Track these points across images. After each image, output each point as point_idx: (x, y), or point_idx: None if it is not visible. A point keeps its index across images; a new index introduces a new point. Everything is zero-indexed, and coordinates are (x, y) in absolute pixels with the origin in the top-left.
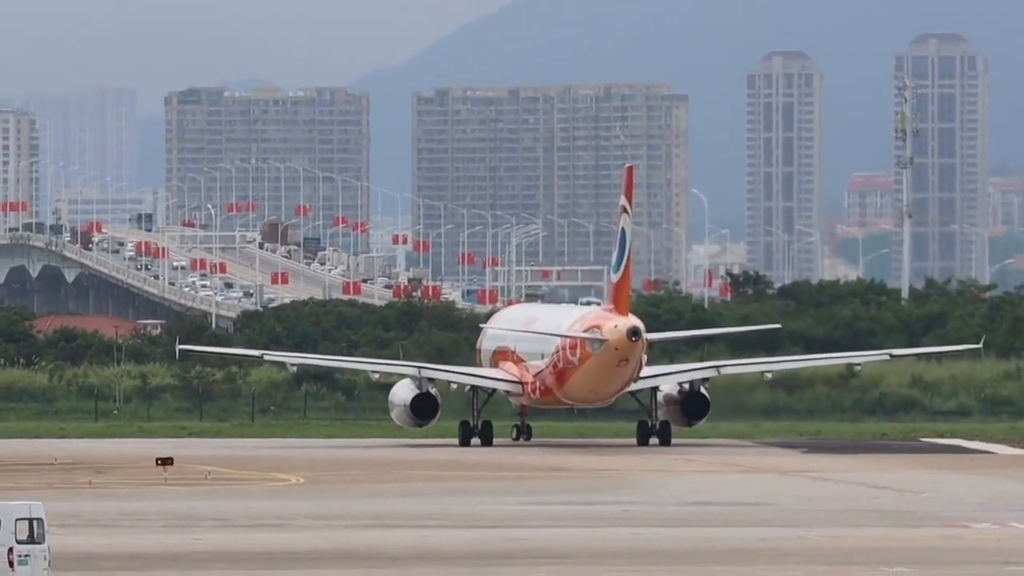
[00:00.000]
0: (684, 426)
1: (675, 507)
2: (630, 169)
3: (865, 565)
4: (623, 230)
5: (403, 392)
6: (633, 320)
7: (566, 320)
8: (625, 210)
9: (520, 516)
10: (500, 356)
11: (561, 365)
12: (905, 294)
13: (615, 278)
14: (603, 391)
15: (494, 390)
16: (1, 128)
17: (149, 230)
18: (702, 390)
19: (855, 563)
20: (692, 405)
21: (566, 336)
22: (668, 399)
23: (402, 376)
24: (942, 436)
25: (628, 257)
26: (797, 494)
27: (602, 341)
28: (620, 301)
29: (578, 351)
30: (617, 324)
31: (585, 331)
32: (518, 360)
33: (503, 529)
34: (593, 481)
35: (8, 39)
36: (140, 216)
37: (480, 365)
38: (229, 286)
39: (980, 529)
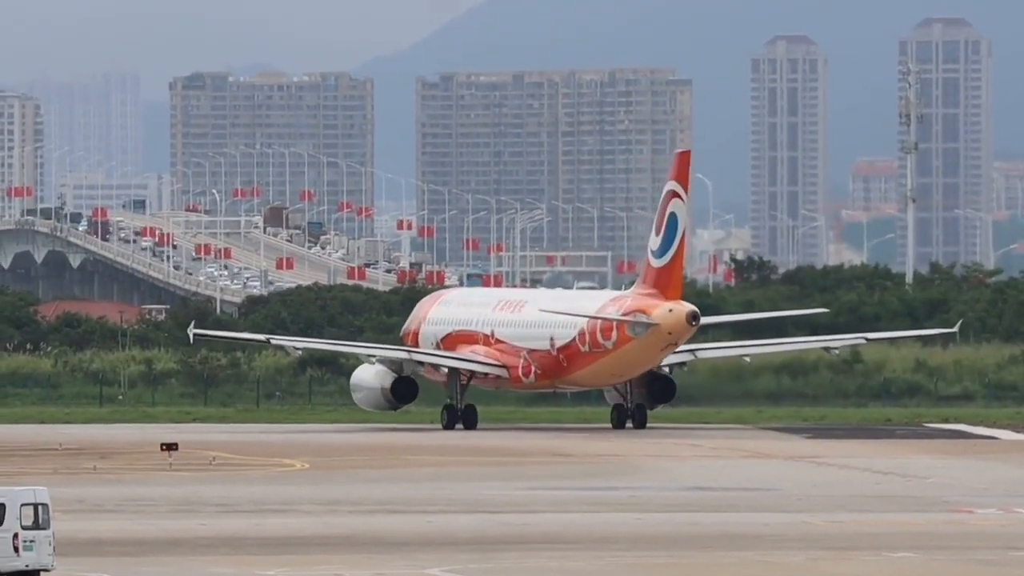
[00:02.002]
0: (648, 408)
1: (678, 492)
2: (687, 154)
3: (869, 550)
4: (673, 215)
5: (374, 376)
6: (690, 304)
7: (592, 303)
8: (677, 195)
9: (523, 501)
10: (459, 340)
11: (586, 348)
12: (909, 279)
13: (657, 263)
14: (627, 375)
15: (472, 374)
16: (6, 113)
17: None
18: (670, 374)
19: (859, 548)
20: (659, 388)
21: (599, 318)
22: (633, 381)
23: (393, 360)
24: (946, 421)
25: (681, 242)
26: (801, 479)
27: (649, 325)
28: (669, 285)
29: (614, 334)
30: (672, 308)
31: (625, 314)
32: (495, 343)
33: (506, 514)
34: (596, 466)
35: (12, 24)
36: (133, 202)
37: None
38: (269, 281)
39: (985, 514)
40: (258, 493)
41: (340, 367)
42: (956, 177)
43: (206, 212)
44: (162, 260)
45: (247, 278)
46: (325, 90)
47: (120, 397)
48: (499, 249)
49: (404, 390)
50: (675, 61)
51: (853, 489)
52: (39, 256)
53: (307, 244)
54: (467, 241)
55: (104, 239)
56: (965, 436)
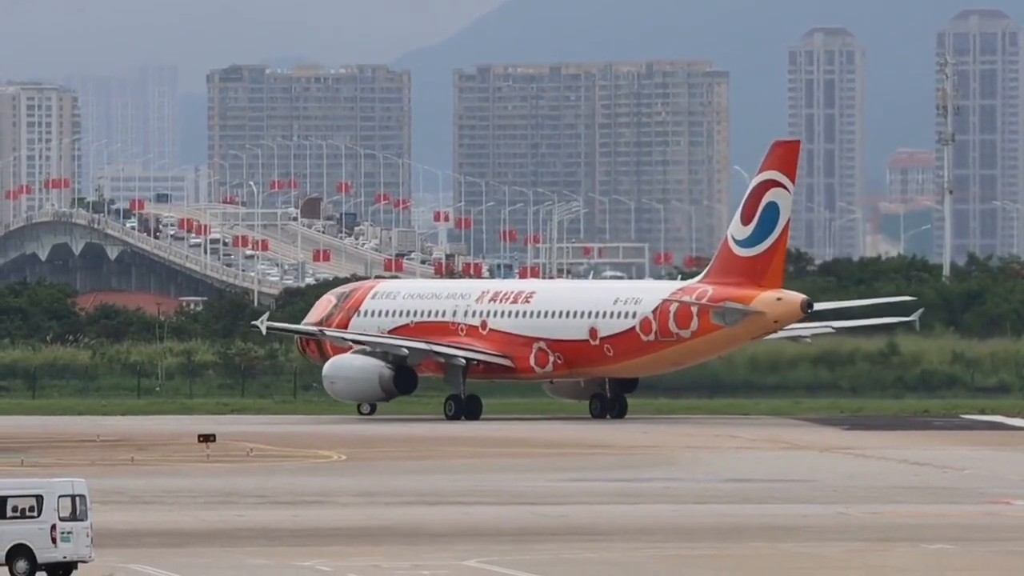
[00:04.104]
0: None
1: (715, 484)
2: (795, 145)
3: (906, 542)
4: (772, 204)
5: (364, 366)
6: (800, 293)
7: (652, 290)
8: (779, 184)
9: (560, 493)
10: (425, 331)
11: (651, 337)
12: (947, 271)
13: (745, 252)
14: (688, 364)
15: (467, 362)
16: (44, 106)
17: None
18: None
19: (896, 540)
20: (624, 379)
21: (707, 305)
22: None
23: (407, 350)
24: (983, 413)
25: (784, 232)
26: (838, 471)
27: (747, 313)
28: (765, 274)
29: (694, 322)
30: (781, 297)
31: (714, 302)
32: (488, 333)
33: (543, 506)
34: (632, 457)
35: (50, 17)
36: (158, 196)
37: (336, 344)
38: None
39: (1022, 506)
40: (295, 484)
41: None
42: (993, 169)
43: (243, 204)
44: (206, 254)
45: (295, 273)
46: (362, 82)
47: (158, 389)
48: (536, 241)
49: (406, 381)
50: (712, 53)
51: (890, 480)
52: (77, 248)
53: (341, 235)
54: (504, 233)
55: (155, 237)
56: (1002, 428)
